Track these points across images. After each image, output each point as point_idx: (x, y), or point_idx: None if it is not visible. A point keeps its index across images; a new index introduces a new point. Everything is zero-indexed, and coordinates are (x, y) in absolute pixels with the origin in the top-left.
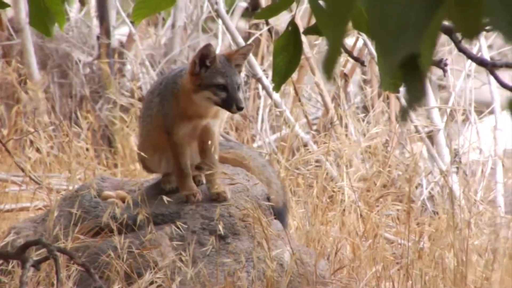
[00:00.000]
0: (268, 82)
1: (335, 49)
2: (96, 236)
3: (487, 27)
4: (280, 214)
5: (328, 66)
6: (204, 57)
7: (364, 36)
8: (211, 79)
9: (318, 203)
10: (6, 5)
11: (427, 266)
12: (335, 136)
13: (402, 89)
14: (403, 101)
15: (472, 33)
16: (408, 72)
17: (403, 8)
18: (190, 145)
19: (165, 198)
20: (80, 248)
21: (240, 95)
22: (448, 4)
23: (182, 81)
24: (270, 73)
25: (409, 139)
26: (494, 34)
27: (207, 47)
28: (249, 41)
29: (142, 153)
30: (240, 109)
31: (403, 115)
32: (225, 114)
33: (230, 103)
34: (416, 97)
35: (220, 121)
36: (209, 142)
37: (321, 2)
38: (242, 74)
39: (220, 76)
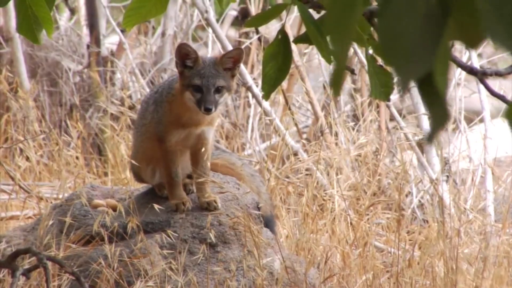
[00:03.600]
0: (258, 90)
1: (342, 62)
2: (87, 244)
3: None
4: (269, 223)
5: (336, 81)
6: (183, 56)
7: (354, 45)
8: (190, 79)
9: (308, 212)
10: (6, 1)
11: (417, 275)
12: (325, 145)
13: (392, 98)
14: (428, 126)
15: (474, 42)
16: (427, 96)
17: (413, 28)
18: (182, 153)
19: (156, 206)
20: (71, 257)
21: (216, 97)
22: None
23: (177, 86)
24: (260, 81)
25: (399, 148)
26: (483, 43)
27: (182, 46)
28: None
29: (136, 164)
30: (206, 110)
31: (430, 138)
32: (215, 123)
33: (200, 104)
34: (441, 118)
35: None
36: (203, 150)
37: (315, 13)
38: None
39: (198, 77)
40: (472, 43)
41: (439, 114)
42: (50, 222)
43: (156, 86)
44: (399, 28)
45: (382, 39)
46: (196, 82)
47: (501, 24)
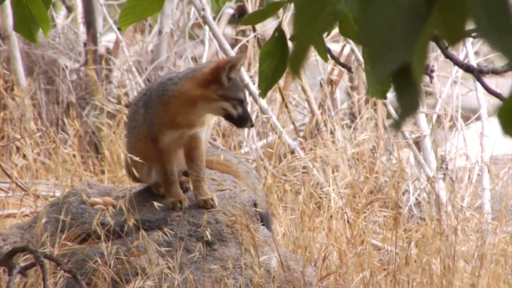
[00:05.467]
0: (254, 88)
1: (305, 47)
2: (83, 242)
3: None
4: (265, 220)
5: (296, 63)
6: (233, 67)
7: (351, 42)
8: (235, 92)
9: (305, 210)
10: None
11: (414, 272)
12: (322, 143)
13: (389, 96)
14: (394, 113)
15: (455, 39)
16: (400, 83)
17: (393, 19)
18: (176, 152)
19: (155, 203)
20: (67, 255)
21: None
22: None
23: (179, 88)
24: (256, 79)
25: (396, 146)
26: (480, 41)
27: (242, 58)
28: (236, 48)
29: (135, 158)
30: (252, 125)
31: (397, 125)
32: (212, 121)
33: (245, 119)
34: (410, 108)
35: (207, 128)
36: (196, 149)
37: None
38: None
39: (241, 90)
40: (453, 39)
41: (410, 103)
42: (47, 220)
43: (145, 88)
44: (380, 17)
45: (361, 28)
46: (241, 96)
47: (488, 19)
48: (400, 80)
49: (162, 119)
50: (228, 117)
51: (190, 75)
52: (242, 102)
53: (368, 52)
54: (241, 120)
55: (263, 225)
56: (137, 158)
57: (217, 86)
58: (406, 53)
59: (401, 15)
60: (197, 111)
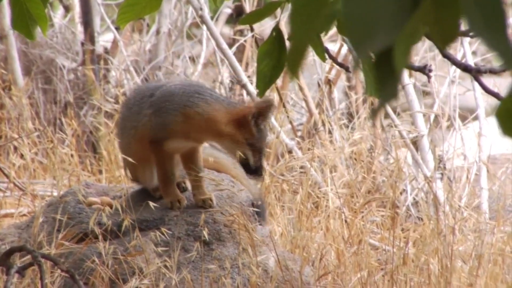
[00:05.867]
0: (252, 88)
1: (302, 47)
2: (81, 242)
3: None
4: (260, 210)
5: (294, 63)
6: (265, 115)
7: (349, 42)
8: (260, 141)
9: (303, 209)
10: None
11: (412, 272)
12: (320, 142)
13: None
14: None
15: (447, 40)
16: (382, 71)
17: (378, 6)
18: (177, 153)
19: (151, 203)
20: (65, 255)
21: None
22: (426, 9)
23: (210, 111)
24: (254, 79)
25: (393, 145)
26: (478, 41)
27: (272, 105)
28: (234, 48)
29: (127, 167)
30: (263, 178)
31: (374, 112)
32: None
33: (259, 171)
34: (388, 97)
35: None
36: (196, 151)
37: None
38: (227, 81)
39: (265, 140)
40: (445, 41)
41: (389, 92)
42: (44, 220)
43: (149, 88)
44: (363, 3)
45: (344, 12)
46: (263, 146)
47: (482, 18)
48: (381, 69)
49: (177, 128)
50: (244, 162)
51: (225, 104)
52: (261, 152)
53: (349, 35)
54: (255, 170)
55: (258, 215)
56: (130, 159)
57: (246, 131)
58: (387, 39)
59: (387, 3)
60: (217, 141)
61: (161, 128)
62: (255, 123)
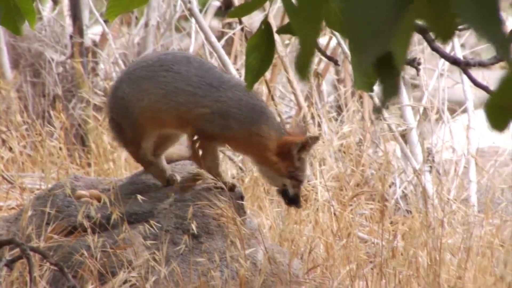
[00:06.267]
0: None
1: (309, 49)
2: (70, 235)
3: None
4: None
5: (302, 66)
6: (307, 147)
7: (338, 35)
8: (302, 173)
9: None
10: None
11: (401, 265)
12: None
13: (376, 88)
14: (377, 99)
15: (447, 35)
16: (382, 70)
17: (375, 7)
18: None
19: (139, 197)
20: (54, 248)
21: None
22: (420, 3)
23: (265, 135)
24: (243, 72)
25: (382, 138)
26: (467, 33)
27: (318, 140)
28: (222, 41)
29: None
30: (300, 207)
31: (377, 111)
32: None
33: (297, 201)
34: (391, 94)
35: None
36: None
37: (294, 1)
38: None
39: (304, 173)
40: (445, 36)
41: (390, 89)
42: (33, 213)
43: (215, 76)
44: (363, 7)
45: (344, 16)
46: (304, 178)
47: (476, 9)
48: (382, 67)
49: (234, 137)
50: (283, 192)
51: (279, 133)
52: (301, 184)
53: (350, 41)
54: (293, 200)
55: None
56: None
57: (289, 163)
58: (386, 41)
59: (384, 5)
60: (260, 165)
61: (220, 130)
62: (298, 156)
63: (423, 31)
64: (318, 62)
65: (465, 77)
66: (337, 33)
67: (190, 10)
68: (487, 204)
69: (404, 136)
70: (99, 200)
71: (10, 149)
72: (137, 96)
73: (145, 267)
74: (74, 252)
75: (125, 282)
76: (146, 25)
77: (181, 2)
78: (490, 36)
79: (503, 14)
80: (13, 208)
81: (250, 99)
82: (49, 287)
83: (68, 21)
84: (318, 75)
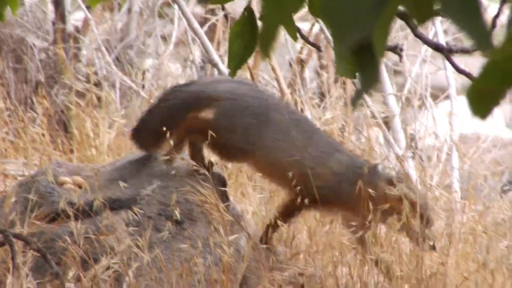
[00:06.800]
0: (224, 67)
1: (273, 26)
2: (52, 222)
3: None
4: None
5: (265, 44)
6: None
7: (320, 21)
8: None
9: (275, 189)
10: None
11: (384, 252)
12: None
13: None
14: (357, 86)
15: (424, 17)
16: (362, 58)
17: None
18: None
19: (122, 183)
20: (36, 234)
21: None
22: None
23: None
24: (226, 58)
25: (365, 125)
26: (449, 20)
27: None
28: (205, 27)
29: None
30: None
31: (356, 99)
32: None
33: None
34: (370, 82)
35: None
36: None
37: None
38: (198, 60)
39: None
40: (422, 17)
41: (369, 78)
42: (16, 200)
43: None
44: None
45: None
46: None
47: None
48: (362, 55)
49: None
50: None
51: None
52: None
53: (330, 26)
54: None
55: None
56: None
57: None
58: (368, 27)
59: None
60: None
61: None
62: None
63: (406, 17)
64: (301, 49)
65: (448, 63)
66: (319, 19)
67: None
68: (470, 191)
69: (387, 122)
70: (82, 186)
71: None
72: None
73: (128, 254)
74: (57, 239)
75: (107, 268)
76: (129, 11)
77: None
78: (469, 28)
79: (483, 2)
80: None
81: (352, 158)
82: (32, 273)
83: (50, 7)
84: (301, 62)
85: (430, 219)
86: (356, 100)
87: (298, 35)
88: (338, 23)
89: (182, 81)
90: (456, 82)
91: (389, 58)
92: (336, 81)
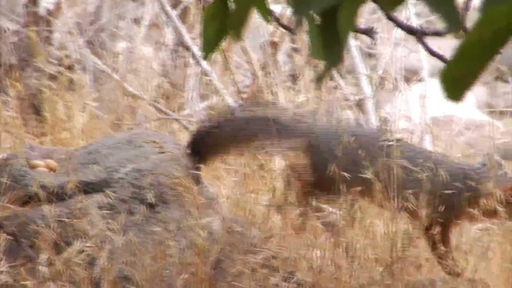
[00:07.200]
0: (197, 50)
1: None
2: (25, 205)
3: None
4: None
5: (237, 26)
6: None
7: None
8: None
9: (248, 172)
10: None
11: (357, 234)
12: None
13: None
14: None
15: (394, 3)
16: (327, 36)
17: None
18: None
19: (95, 167)
20: (9, 218)
21: None
22: None
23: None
24: (199, 41)
25: (338, 107)
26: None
27: None
28: (178, 10)
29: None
30: None
31: (320, 78)
32: (154, 83)
33: None
34: (334, 61)
35: None
36: None
37: None
38: (171, 43)
39: None
40: (392, 3)
41: (334, 57)
42: None
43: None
44: None
45: None
46: None
47: None
48: (327, 33)
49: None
50: None
51: None
52: None
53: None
54: None
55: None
56: None
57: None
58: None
59: None
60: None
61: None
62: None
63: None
64: (274, 32)
65: (420, 46)
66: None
67: None
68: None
69: (360, 105)
70: (54, 169)
71: None
72: None
73: (101, 237)
74: (29, 222)
75: (81, 252)
76: None
77: None
78: (442, 11)
79: None
80: None
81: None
82: (5, 257)
83: None
84: (274, 44)
85: None
86: (320, 79)
87: (271, 17)
88: None
89: (154, 64)
90: (429, 64)
91: (362, 41)
92: (309, 64)
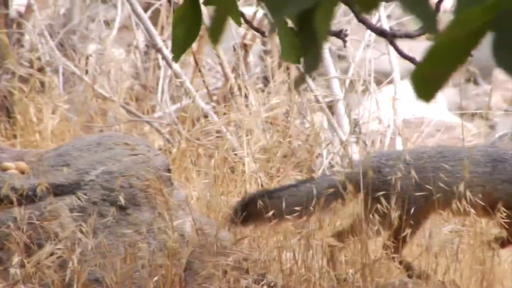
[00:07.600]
0: (168, 52)
1: (223, 12)
2: None
3: None
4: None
5: (215, 31)
6: None
7: (265, 6)
8: None
9: (219, 174)
10: None
11: (328, 236)
12: (236, 107)
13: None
14: (300, 70)
15: (369, 6)
16: (305, 40)
17: None
18: None
19: (66, 169)
20: None
21: None
22: None
23: None
24: (170, 43)
25: (309, 109)
26: (393, 4)
27: None
28: (149, 12)
29: None
30: None
31: (299, 81)
32: (125, 85)
33: None
34: (313, 65)
35: None
36: None
37: None
38: (142, 45)
39: None
40: (367, 6)
41: (311, 61)
42: None
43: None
44: None
45: None
46: None
47: None
48: (303, 37)
49: None
50: None
51: None
52: None
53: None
54: None
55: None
56: None
57: None
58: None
59: None
60: None
61: None
62: None
63: (349, 2)
64: (245, 34)
65: (391, 48)
66: (264, 4)
67: None
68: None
69: (331, 107)
70: (25, 172)
71: None
72: None
73: (72, 239)
74: (0, 225)
75: (51, 254)
76: None
77: None
78: (416, 11)
79: None
80: None
81: None
82: None
83: None
84: (245, 47)
85: None
86: (298, 83)
87: (242, 19)
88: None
89: (126, 66)
90: (399, 67)
91: (333, 43)
92: (280, 66)
